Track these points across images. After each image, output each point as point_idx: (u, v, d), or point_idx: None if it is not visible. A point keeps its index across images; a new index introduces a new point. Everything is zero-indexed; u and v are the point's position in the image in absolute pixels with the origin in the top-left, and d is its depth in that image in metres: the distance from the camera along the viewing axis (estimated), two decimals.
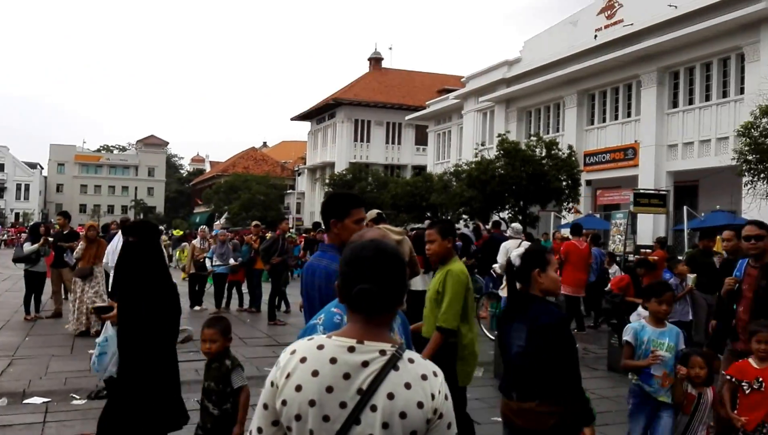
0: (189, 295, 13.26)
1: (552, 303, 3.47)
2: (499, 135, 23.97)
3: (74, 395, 6.76)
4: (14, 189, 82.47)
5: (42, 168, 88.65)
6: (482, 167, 22.21)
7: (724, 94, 22.69)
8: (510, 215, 21.82)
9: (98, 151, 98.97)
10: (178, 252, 19.39)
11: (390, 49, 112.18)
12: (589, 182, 26.63)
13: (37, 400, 6.61)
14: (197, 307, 13.39)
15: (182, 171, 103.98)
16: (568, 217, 24.12)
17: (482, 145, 28.77)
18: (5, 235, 50.57)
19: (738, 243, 5.49)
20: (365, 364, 1.65)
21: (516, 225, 12.76)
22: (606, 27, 26.85)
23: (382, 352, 1.67)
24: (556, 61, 28.58)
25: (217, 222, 35.15)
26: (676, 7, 23.05)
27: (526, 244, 11.61)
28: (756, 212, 17.23)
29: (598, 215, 25.19)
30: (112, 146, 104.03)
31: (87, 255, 10.48)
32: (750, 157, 15.28)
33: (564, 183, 22.10)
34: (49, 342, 9.61)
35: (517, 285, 3.46)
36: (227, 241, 13.99)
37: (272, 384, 1.71)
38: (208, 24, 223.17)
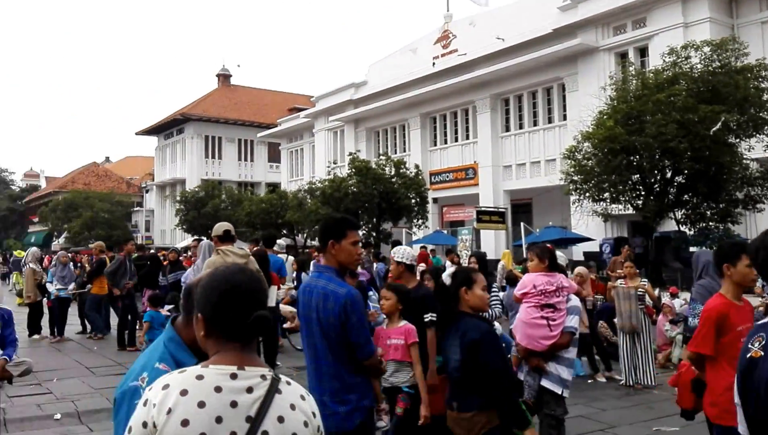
0: (27, 324, 12.38)
1: (481, 317, 3.70)
2: (350, 154, 24.71)
3: None
4: None
5: None
6: (336, 185, 22.75)
7: (550, 120, 25.07)
8: (364, 232, 22.51)
9: None
10: (15, 275, 17.87)
11: (238, 66, 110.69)
12: (435, 200, 28.15)
13: None
14: (36, 336, 12.52)
15: (14, 187, 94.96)
16: (419, 234, 25.29)
17: (334, 163, 29.43)
18: None
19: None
20: (249, 390, 1.61)
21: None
22: (443, 55, 28.72)
23: (263, 377, 1.65)
24: (399, 86, 30.10)
25: (56, 242, 32.76)
26: (503, 39, 25.15)
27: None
28: (584, 227, 19.24)
29: (445, 231, 26.65)
30: None
31: None
32: (575, 178, 17.01)
33: (413, 200, 23.19)
34: None
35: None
36: (69, 263, 13.24)
37: (145, 425, 1.57)
38: (44, 28, 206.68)
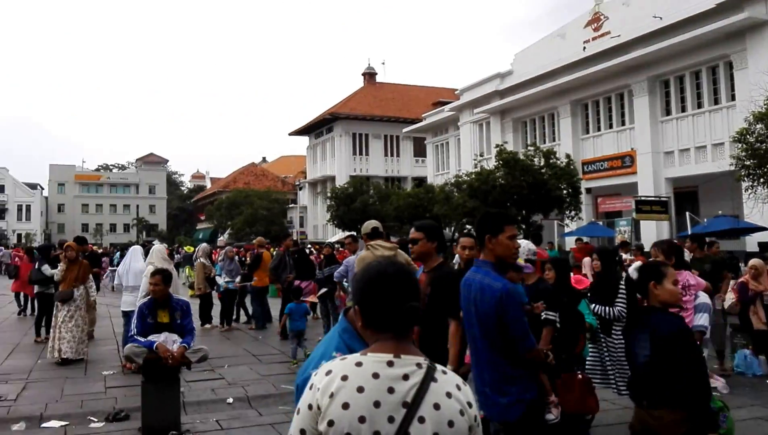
0: (199, 314, 13.38)
1: (672, 313, 3.53)
2: (497, 145, 24.19)
3: (92, 418, 6.87)
4: (15, 210, 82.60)
5: (42, 188, 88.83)
6: (483, 178, 22.40)
7: (716, 102, 22.95)
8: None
9: (97, 170, 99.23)
10: (187, 269, 19.50)
11: (383, 63, 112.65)
12: (588, 190, 26.84)
13: (55, 423, 6.71)
14: (207, 325, 13.51)
15: (183, 188, 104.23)
16: (572, 226, 24.28)
17: (481, 155, 29.02)
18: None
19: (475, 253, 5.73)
20: (405, 377, 1.68)
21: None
22: (594, 39, 27.28)
23: (419, 365, 1.72)
24: (547, 73, 28.97)
25: (221, 238, 35.30)
26: (661, 18, 23.41)
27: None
28: (759, 216, 17.43)
29: (600, 223, 25.35)
30: (111, 165, 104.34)
31: (68, 277, 9.86)
32: (748, 163, 15.46)
33: (564, 191, 22.27)
34: (62, 364, 9.70)
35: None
36: (235, 258, 14.16)
37: (310, 407, 1.70)
38: (203, 42, 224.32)
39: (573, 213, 23.07)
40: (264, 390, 7.88)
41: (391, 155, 50.28)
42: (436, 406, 1.66)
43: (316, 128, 52.69)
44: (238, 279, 13.81)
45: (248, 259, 17.24)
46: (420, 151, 47.22)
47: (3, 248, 46.71)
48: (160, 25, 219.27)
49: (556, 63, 28.44)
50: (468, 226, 23.97)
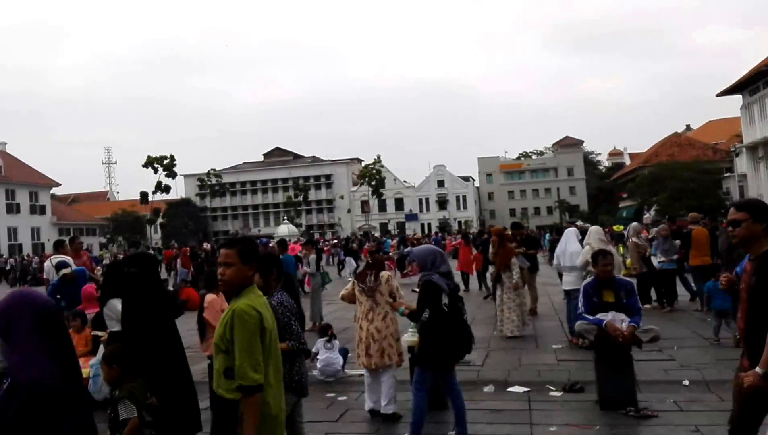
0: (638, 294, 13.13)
1: None
2: None
3: (550, 387, 7.42)
4: (454, 201, 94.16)
5: (474, 180, 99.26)
6: None
7: None
8: None
9: (518, 158, 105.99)
10: (620, 247, 19.39)
11: None
12: None
13: (519, 389, 7.45)
14: (647, 305, 13.17)
15: (600, 167, 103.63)
16: None
17: None
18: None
19: None
20: None
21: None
22: None
23: None
24: None
25: (646, 215, 33.98)
26: None
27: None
28: None
29: None
30: (530, 152, 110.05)
31: (496, 262, 11.05)
32: None
33: None
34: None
35: None
36: (668, 236, 13.48)
37: None
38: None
39: None
40: (721, 375, 7.32)
41: None
42: None
43: (751, 83, 46.10)
44: (674, 257, 13.07)
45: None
46: None
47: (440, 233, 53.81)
48: None
49: None
50: None
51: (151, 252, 30.22)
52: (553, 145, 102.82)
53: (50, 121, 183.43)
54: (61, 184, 71.63)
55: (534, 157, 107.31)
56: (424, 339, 5.58)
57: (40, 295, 4.17)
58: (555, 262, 11.12)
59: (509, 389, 7.48)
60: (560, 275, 11.28)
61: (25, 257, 46.08)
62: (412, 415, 5.57)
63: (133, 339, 4.94)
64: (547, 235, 30.39)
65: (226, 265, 3.50)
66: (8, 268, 41.58)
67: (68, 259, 9.82)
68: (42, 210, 66.84)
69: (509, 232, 13.01)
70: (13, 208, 62.96)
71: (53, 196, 72.86)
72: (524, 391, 7.34)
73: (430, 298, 5.58)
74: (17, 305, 4.64)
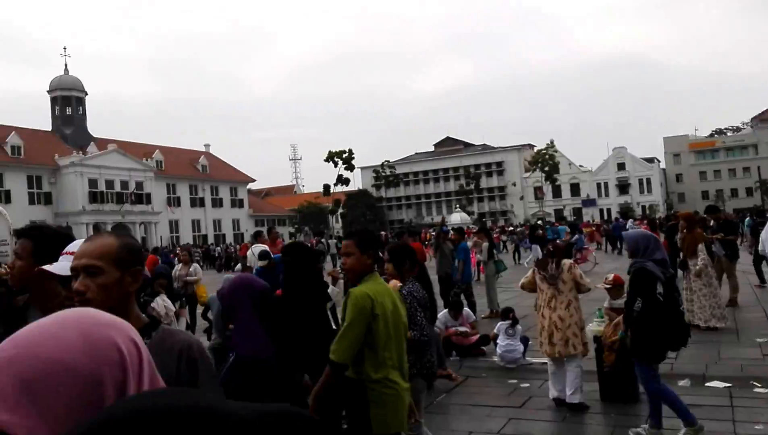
0: None
1: None
2: None
3: (754, 383, 6.83)
4: (637, 184, 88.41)
5: (659, 161, 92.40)
6: None
7: None
8: None
9: (711, 136, 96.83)
10: None
11: None
12: None
13: (719, 384, 6.94)
14: None
15: None
16: None
17: None
18: None
19: None
20: None
21: None
22: None
23: None
24: None
25: None
26: None
27: None
28: None
29: None
30: (724, 129, 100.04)
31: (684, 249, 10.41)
32: None
33: None
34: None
35: None
36: None
37: None
38: None
39: None
40: None
41: None
42: None
43: None
44: None
45: None
46: None
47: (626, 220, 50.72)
48: None
49: None
50: None
51: (333, 240, 32.05)
52: (752, 119, 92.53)
53: (244, 123, 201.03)
54: (255, 180, 78.99)
55: (729, 133, 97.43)
56: (636, 331, 5.33)
57: (257, 280, 4.75)
58: (761, 247, 10.15)
59: (707, 384, 7.00)
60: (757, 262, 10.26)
61: (228, 246, 51.15)
62: (671, 406, 5.28)
63: (285, 319, 5.30)
64: (747, 220, 27.58)
65: (347, 254, 3.76)
66: (216, 255, 46.40)
67: (266, 247, 10.78)
68: (241, 203, 74.43)
69: (701, 217, 12.07)
70: (217, 203, 70.89)
71: (249, 191, 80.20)
72: (725, 387, 6.83)
73: (643, 286, 5.31)
74: (239, 291, 5.31)
